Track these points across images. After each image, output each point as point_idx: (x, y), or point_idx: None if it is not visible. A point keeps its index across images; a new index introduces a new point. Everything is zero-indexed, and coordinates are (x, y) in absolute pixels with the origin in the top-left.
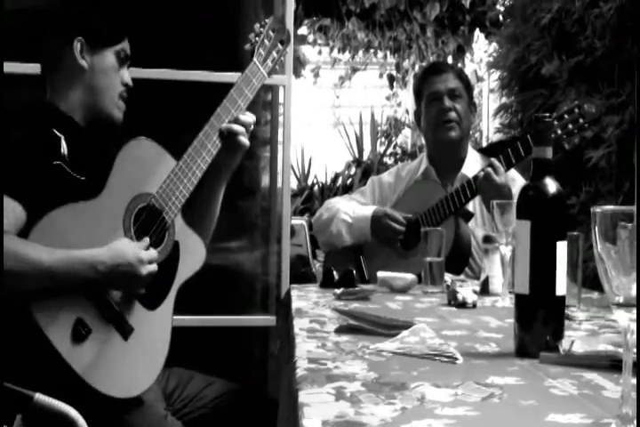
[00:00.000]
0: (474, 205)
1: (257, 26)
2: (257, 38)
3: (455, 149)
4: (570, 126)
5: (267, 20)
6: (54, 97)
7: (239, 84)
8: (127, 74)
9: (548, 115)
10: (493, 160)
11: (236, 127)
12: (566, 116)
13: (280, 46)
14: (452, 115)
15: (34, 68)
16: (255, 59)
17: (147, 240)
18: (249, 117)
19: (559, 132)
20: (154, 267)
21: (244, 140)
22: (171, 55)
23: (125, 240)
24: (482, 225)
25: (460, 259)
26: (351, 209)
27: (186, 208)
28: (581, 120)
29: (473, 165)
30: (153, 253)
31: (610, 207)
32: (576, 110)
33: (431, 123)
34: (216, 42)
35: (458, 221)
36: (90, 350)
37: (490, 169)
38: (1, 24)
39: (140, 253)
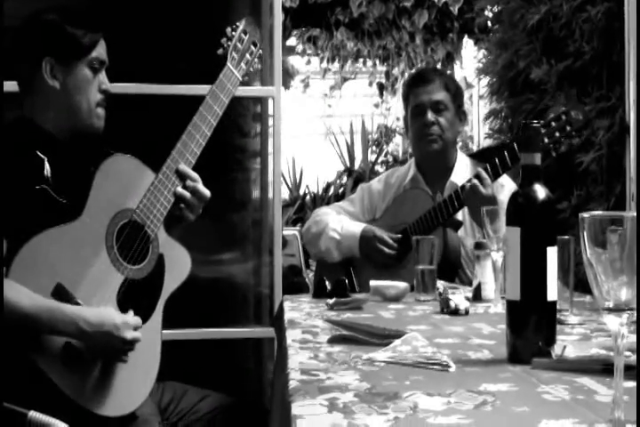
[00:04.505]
0: (463, 214)
1: (228, 29)
2: (229, 42)
3: (440, 159)
4: (557, 134)
5: (238, 23)
6: (33, 114)
7: (214, 89)
8: (105, 78)
9: (535, 121)
10: (480, 171)
11: (188, 196)
12: (553, 123)
13: (253, 48)
14: (435, 129)
15: (10, 86)
16: (229, 63)
17: (131, 313)
18: (207, 192)
19: (546, 140)
20: (138, 334)
21: (189, 214)
22: (148, 69)
23: (112, 309)
24: (471, 234)
25: (448, 269)
26: (339, 225)
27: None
28: (568, 128)
29: (463, 171)
30: (138, 320)
31: (598, 212)
32: (563, 117)
33: (415, 135)
34: (198, 55)
35: (446, 231)
36: (81, 372)
37: (476, 181)
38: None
39: (126, 318)
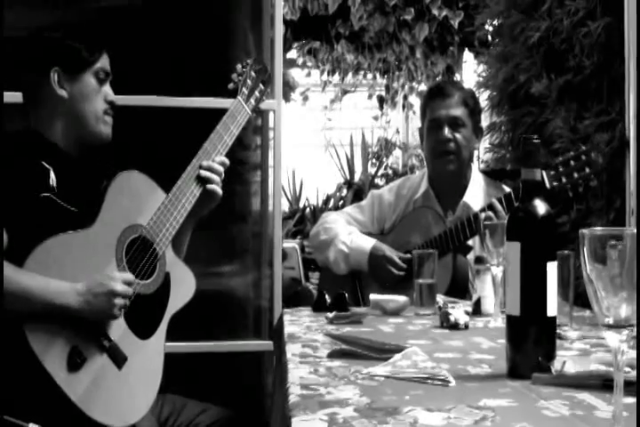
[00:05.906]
0: (472, 239)
1: (239, 66)
2: (240, 78)
3: (454, 179)
4: (575, 175)
5: (248, 61)
6: (39, 125)
7: (225, 120)
8: (110, 90)
9: (535, 136)
10: (495, 202)
11: (214, 176)
12: (572, 162)
13: (262, 86)
14: (451, 146)
15: (14, 97)
16: (239, 97)
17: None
18: (221, 165)
19: (564, 180)
20: (129, 288)
21: (218, 189)
22: (158, 81)
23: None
24: None
25: (456, 293)
26: (349, 238)
27: None
28: (587, 170)
29: (476, 191)
30: (128, 274)
31: (598, 229)
32: (583, 157)
33: (430, 151)
34: (204, 66)
35: (456, 256)
36: (85, 379)
37: (491, 213)
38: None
39: (111, 273)
